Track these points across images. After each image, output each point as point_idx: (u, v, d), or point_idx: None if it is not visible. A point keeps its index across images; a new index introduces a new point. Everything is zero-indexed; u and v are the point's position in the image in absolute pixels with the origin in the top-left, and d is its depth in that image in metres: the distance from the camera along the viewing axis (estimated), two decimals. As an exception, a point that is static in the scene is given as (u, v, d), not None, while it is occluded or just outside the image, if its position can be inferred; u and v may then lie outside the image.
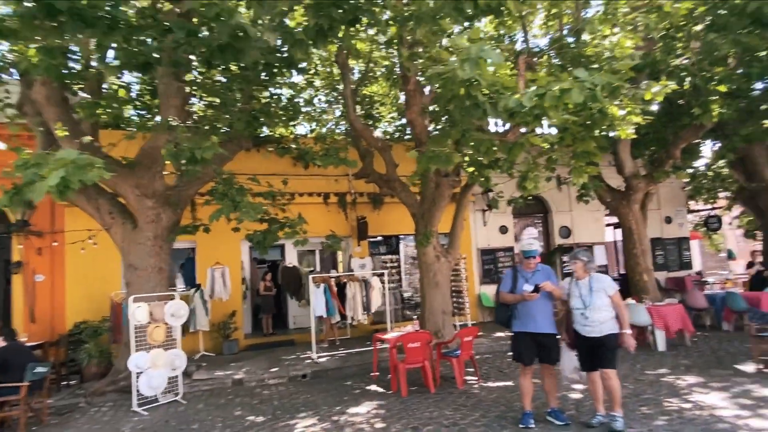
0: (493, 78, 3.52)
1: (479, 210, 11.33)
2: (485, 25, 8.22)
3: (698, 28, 5.66)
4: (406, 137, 10.13)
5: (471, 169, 6.09)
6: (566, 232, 12.44)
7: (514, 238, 12.15)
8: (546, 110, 3.56)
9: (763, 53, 5.78)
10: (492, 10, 4.58)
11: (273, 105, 7.45)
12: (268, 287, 10.02)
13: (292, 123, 8.39)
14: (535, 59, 7.18)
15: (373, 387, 6.45)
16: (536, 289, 4.07)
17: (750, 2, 4.73)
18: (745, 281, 12.02)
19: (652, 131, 7.99)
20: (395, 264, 10.76)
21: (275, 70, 5.79)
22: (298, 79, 8.63)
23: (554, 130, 5.42)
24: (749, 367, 6.17)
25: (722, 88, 5.60)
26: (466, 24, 6.76)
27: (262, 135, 8.19)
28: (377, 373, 6.89)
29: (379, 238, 11.37)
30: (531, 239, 4.32)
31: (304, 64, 6.84)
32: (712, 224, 14.20)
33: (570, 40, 6.72)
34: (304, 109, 9.26)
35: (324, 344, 9.09)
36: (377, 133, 10.08)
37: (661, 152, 8.32)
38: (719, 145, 9.43)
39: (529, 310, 4.24)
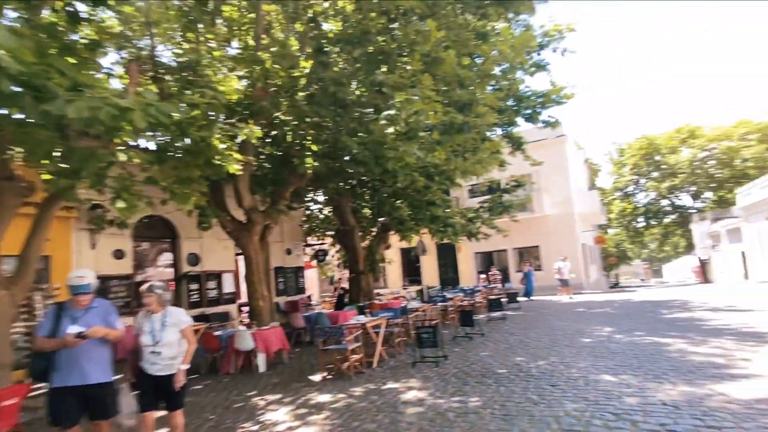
0: (30, 69, 2.70)
1: (85, 229, 9.32)
2: (109, 18, 7.06)
3: (302, 94, 6.90)
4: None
5: (48, 177, 4.75)
6: (194, 259, 12.12)
7: (134, 265, 10.72)
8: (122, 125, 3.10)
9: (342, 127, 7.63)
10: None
11: None
12: None
13: None
14: (163, 72, 6.65)
15: None
16: (81, 335, 3.34)
17: (331, 85, 6.16)
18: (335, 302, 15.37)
19: (271, 172, 9.02)
20: None
21: None
22: None
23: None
24: (318, 377, 7.53)
25: (315, 147, 6.97)
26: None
27: None
28: None
29: None
30: (82, 271, 3.59)
31: None
32: (320, 257, 17.56)
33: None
34: None
35: None
36: None
37: (276, 192, 9.51)
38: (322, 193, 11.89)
39: (75, 358, 3.43)
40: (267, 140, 9.79)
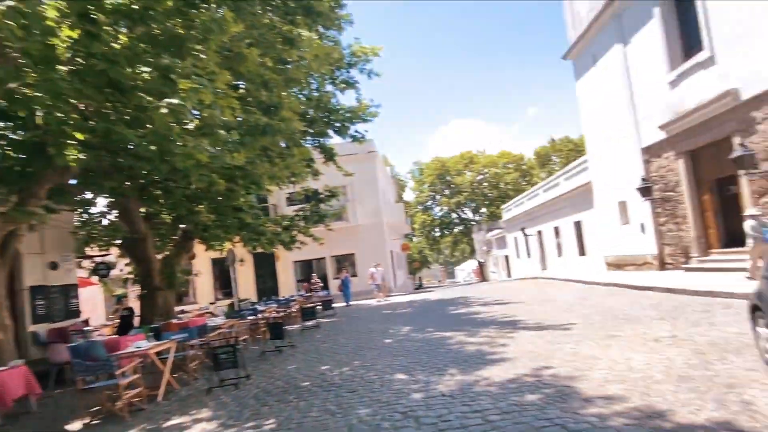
0: None
1: None
2: None
3: (64, 68, 5.38)
4: None
5: None
6: None
7: None
8: None
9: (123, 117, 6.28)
10: None
11: None
12: None
13: None
14: None
15: None
16: None
17: (101, 63, 4.98)
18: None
19: (18, 164, 6.86)
20: None
21: None
22: None
23: None
24: (78, 425, 5.98)
25: (80, 136, 5.53)
26: None
27: None
28: None
29: None
30: None
31: None
32: (101, 271, 14.47)
33: None
34: None
35: None
36: None
37: (27, 190, 7.26)
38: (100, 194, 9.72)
39: None
40: (16, 122, 7.44)
